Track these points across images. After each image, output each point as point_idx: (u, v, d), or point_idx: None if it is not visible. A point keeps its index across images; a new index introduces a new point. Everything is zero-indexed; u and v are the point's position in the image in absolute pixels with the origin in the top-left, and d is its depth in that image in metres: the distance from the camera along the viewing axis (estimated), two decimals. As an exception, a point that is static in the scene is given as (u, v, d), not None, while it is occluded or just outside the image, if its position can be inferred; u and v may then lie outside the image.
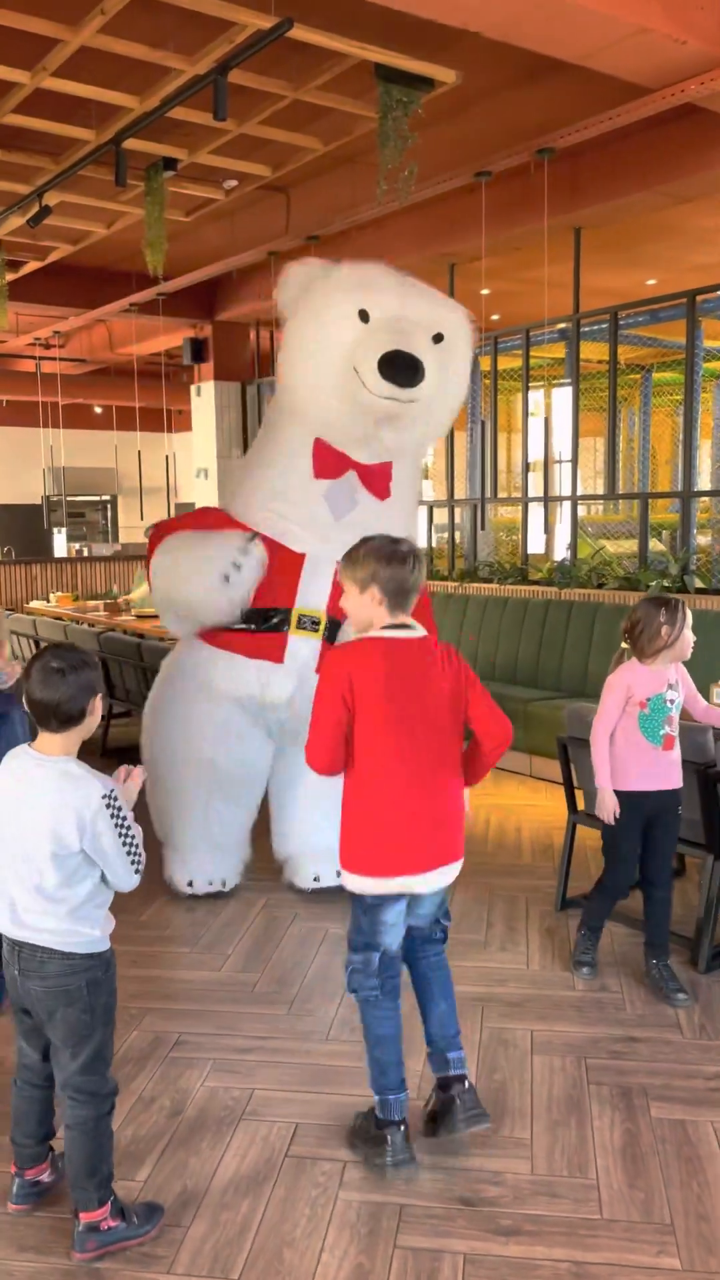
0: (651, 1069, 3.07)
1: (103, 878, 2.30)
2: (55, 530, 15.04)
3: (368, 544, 2.58)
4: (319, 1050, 3.20)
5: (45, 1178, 2.51)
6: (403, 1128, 2.61)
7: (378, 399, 3.87)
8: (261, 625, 4.15)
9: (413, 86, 5.20)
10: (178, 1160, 2.67)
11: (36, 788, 2.26)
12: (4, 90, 5.62)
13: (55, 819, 2.22)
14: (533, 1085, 3.00)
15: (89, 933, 2.30)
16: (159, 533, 4.34)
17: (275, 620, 4.14)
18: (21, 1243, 2.38)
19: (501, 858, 4.97)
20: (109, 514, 16.44)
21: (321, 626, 4.15)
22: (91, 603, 10.77)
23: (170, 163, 6.42)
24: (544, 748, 6.20)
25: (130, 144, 5.83)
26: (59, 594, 11.97)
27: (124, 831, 2.25)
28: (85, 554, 14.27)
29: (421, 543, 10.42)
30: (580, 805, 4.27)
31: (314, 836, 4.32)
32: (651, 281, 9.20)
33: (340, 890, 3.97)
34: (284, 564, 4.13)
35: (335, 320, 3.98)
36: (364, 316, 3.94)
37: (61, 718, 2.27)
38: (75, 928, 2.29)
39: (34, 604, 11.74)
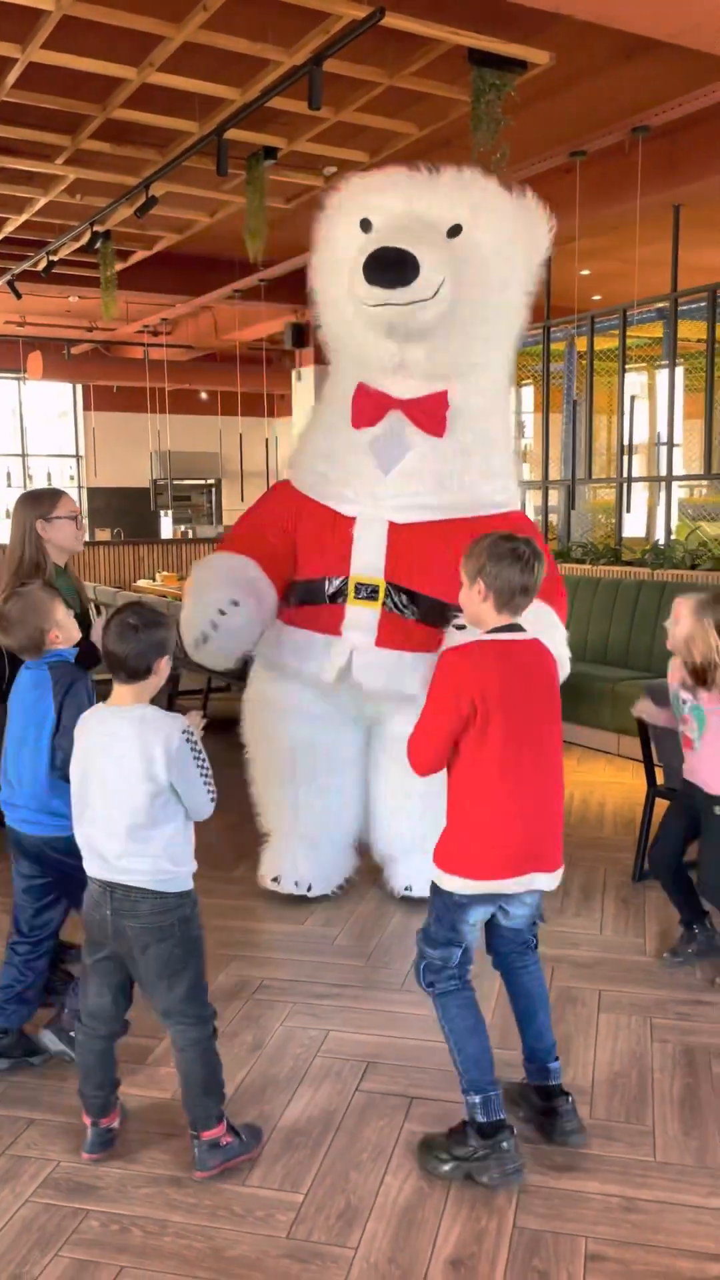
0: (717, 1030, 3.14)
1: (185, 814, 2.50)
2: (162, 513, 15.53)
3: (487, 537, 2.59)
4: (394, 999, 3.36)
5: (116, 1124, 2.63)
6: (514, 1131, 2.49)
7: (370, 308, 3.50)
8: (320, 598, 3.85)
9: (506, 69, 5.25)
10: (256, 1089, 2.86)
11: (121, 734, 2.46)
12: (113, 86, 5.88)
13: (145, 758, 2.41)
14: (597, 1039, 3.10)
15: (175, 869, 2.49)
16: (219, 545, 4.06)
17: (333, 591, 3.83)
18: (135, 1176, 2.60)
19: (583, 831, 5.05)
20: (213, 497, 16.84)
21: (381, 594, 3.75)
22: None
23: (270, 152, 6.61)
24: (631, 727, 6.20)
25: (232, 134, 6.03)
26: (164, 573, 12.37)
27: (201, 763, 2.45)
28: (190, 536, 14.69)
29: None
30: (660, 780, 4.32)
31: (403, 836, 4.04)
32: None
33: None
34: (335, 529, 3.81)
35: (339, 237, 3.63)
36: (365, 226, 3.57)
37: (129, 671, 2.47)
38: (163, 865, 2.47)
39: (140, 582, 12.16)
